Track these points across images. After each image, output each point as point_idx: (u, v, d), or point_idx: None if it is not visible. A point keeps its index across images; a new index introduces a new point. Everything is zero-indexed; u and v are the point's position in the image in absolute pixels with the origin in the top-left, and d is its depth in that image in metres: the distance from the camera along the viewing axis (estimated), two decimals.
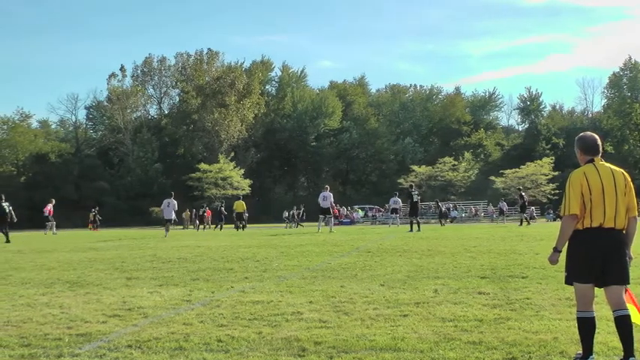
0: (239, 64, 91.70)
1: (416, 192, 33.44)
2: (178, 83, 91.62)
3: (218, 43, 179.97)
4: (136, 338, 6.68)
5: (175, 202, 35.13)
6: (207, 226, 55.09)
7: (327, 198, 35.13)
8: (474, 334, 6.63)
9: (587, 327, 5.63)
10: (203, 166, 73.15)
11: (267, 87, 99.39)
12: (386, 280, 11.09)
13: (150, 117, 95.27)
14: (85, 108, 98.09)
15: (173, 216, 34.73)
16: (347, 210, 66.69)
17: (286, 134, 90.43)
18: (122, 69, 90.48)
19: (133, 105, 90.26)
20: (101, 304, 9.15)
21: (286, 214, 54.67)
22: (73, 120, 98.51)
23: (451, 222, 55.74)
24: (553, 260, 5.79)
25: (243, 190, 71.70)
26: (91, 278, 12.41)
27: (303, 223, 49.33)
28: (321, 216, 35.67)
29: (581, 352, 5.66)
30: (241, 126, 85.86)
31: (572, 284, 5.76)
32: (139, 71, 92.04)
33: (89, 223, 55.30)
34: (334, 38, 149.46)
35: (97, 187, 78.48)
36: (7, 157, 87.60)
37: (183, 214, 60.37)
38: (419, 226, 31.44)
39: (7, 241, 29.16)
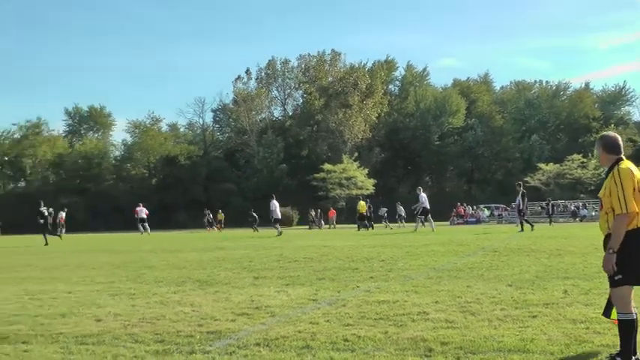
0: (362, 64, 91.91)
1: (523, 190, 32.15)
2: (301, 85, 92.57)
3: (340, 44, 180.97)
4: (264, 336, 6.77)
5: (277, 203, 36.79)
6: (333, 226, 55.48)
7: (423, 198, 35.15)
8: (607, 336, 6.37)
9: (632, 328, 5.43)
10: (327, 166, 73.66)
11: (389, 86, 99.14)
12: (513, 280, 10.84)
13: (274, 118, 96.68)
14: (212, 111, 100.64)
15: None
16: (472, 209, 65.73)
17: (409, 133, 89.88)
18: (247, 72, 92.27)
19: (257, 107, 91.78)
20: (230, 302, 9.33)
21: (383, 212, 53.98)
22: (201, 123, 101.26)
23: (580, 220, 54.14)
24: (610, 263, 5.44)
25: (367, 189, 71.81)
26: (220, 277, 12.69)
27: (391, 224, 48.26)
28: (421, 216, 35.13)
29: (615, 352, 5.54)
30: (365, 126, 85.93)
31: (620, 286, 5.48)
32: (262, 74, 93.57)
33: (216, 224, 56.76)
34: (457, 36, 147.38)
35: (224, 189, 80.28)
36: (140, 159, 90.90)
37: (308, 214, 61.05)
38: (522, 226, 30.50)
39: (47, 243, 30.53)
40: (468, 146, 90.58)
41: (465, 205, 66.23)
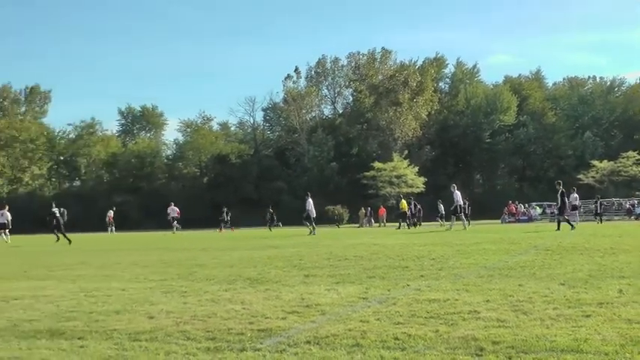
0: (412, 62, 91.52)
1: (563, 189, 31.58)
2: (352, 83, 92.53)
3: (390, 42, 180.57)
4: (314, 334, 6.79)
5: (312, 201, 36.60)
6: (383, 224, 55.37)
7: (457, 196, 35.25)
8: None
9: None
10: (377, 164, 73.50)
11: (440, 84, 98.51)
12: (566, 279, 10.68)
13: (324, 117, 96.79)
14: (262, 110, 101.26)
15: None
16: (524, 207, 64.99)
17: (460, 131, 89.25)
18: (297, 71, 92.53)
19: (307, 105, 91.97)
20: (280, 300, 9.37)
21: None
22: (251, 122, 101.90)
23: (636, 219, 53.23)
24: None
25: (418, 187, 71.50)
26: (271, 275, 12.75)
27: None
28: (455, 214, 35.40)
29: None
30: (415, 124, 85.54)
31: None
32: (312, 72, 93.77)
33: (267, 222, 56.99)
34: (508, 32, 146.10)
35: (275, 187, 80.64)
36: (191, 158, 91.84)
37: (359, 213, 61.01)
38: (558, 226, 29.99)
39: (57, 240, 33.74)
40: (519, 144, 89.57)
41: (516, 203, 65.50)
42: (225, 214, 55.03)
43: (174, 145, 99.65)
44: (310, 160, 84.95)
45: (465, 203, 50.35)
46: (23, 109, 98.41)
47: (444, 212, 48.59)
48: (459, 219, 35.69)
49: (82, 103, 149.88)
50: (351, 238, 28.26)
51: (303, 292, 10.08)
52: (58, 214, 35.97)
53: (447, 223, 36.75)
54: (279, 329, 7.16)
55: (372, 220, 59.65)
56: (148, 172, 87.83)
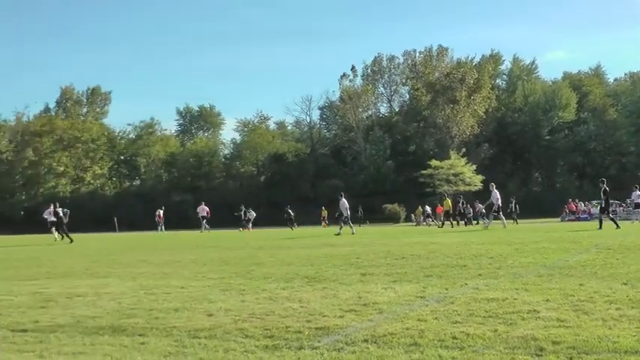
0: (468, 59, 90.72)
1: (606, 187, 30.82)
2: (408, 81, 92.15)
3: (446, 39, 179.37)
4: (372, 333, 6.78)
5: (346, 201, 36.44)
6: (441, 222, 55.01)
7: (496, 195, 34.96)
8: None
9: None
10: (434, 162, 73.06)
11: (497, 81, 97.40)
12: (629, 278, 10.47)
13: (381, 115, 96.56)
14: (319, 109, 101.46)
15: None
16: (584, 205, 63.88)
17: (518, 128, 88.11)
18: (353, 69, 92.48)
19: (364, 104, 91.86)
20: (338, 299, 9.38)
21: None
22: (308, 120, 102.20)
23: None
24: None
25: (475, 185, 70.86)
26: (328, 274, 12.77)
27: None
28: (494, 213, 35.19)
29: None
30: (472, 121, 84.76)
31: None
32: (369, 70, 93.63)
33: (322, 220, 57.25)
34: (567, 28, 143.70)
35: (332, 185, 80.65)
36: (249, 157, 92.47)
37: (416, 211, 60.75)
38: (600, 224, 29.27)
39: (63, 238, 35.62)
40: (579, 141, 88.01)
41: (576, 200, 64.41)
42: (243, 213, 55.50)
43: (232, 145, 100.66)
44: (367, 158, 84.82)
45: (512, 202, 49.95)
46: (85, 110, 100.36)
47: (484, 211, 48.29)
48: (497, 218, 35.36)
49: (142, 104, 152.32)
50: (408, 236, 28.15)
51: (361, 291, 10.07)
52: (61, 214, 38.08)
53: (485, 221, 36.33)
54: (337, 327, 7.17)
55: (430, 219, 59.32)
56: (205, 171, 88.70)
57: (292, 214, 53.97)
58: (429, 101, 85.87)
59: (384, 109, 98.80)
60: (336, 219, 51.91)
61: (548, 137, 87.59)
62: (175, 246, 26.79)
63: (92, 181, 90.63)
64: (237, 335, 6.96)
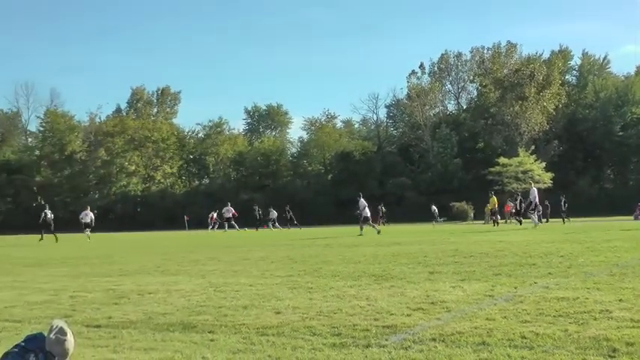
0: (537, 55, 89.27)
1: None
2: (476, 78, 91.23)
3: (514, 36, 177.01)
4: (440, 332, 6.76)
5: (365, 201, 35.58)
6: (509, 221, 54.26)
7: (534, 193, 34.48)
8: None
9: None
10: (502, 160, 72.06)
11: (566, 77, 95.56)
12: None
13: (448, 112, 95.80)
14: (386, 106, 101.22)
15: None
16: None
17: (589, 125, 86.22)
18: (421, 66, 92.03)
19: (431, 101, 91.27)
20: (405, 297, 9.37)
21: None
22: (375, 119, 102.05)
23: None
24: None
25: (545, 183, 69.70)
26: (395, 272, 12.75)
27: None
28: (532, 212, 34.87)
29: None
30: (542, 118, 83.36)
31: None
32: (435, 68, 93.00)
33: (378, 218, 57.30)
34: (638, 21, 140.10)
35: (399, 183, 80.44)
36: (316, 156, 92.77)
37: (485, 209, 60.05)
38: None
39: (41, 239, 37.57)
40: None
41: None
42: (257, 212, 55.82)
43: (299, 143, 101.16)
44: (434, 156, 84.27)
45: (561, 200, 48.94)
46: (155, 110, 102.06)
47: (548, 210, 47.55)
48: (525, 217, 34.84)
49: (210, 103, 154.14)
50: (476, 234, 27.89)
51: (428, 289, 10.04)
52: (49, 215, 40.13)
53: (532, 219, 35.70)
54: (405, 326, 7.16)
55: (499, 217, 58.57)
56: (273, 169, 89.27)
57: (263, 213, 54.83)
58: (497, 98, 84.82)
59: (451, 107, 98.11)
60: (385, 217, 52.26)
61: (620, 133, 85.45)
62: (244, 244, 27.06)
63: (162, 180, 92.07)
64: (305, 333, 7.01)
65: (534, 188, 35.32)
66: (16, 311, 9.51)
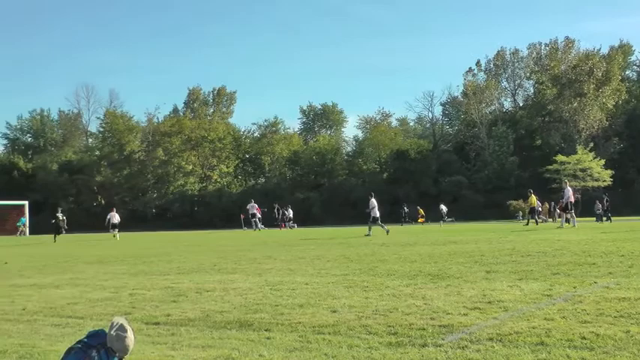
0: (596, 50, 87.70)
1: None
2: (532, 74, 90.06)
3: (572, 31, 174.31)
4: (497, 331, 6.71)
5: (375, 201, 34.83)
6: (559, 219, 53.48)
7: (568, 192, 33.86)
8: None
9: None
10: (560, 157, 70.96)
11: (626, 72, 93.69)
12: None
13: (504, 110, 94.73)
14: (441, 104, 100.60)
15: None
16: None
17: None
18: (477, 63, 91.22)
19: (487, 99, 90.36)
20: (461, 296, 9.31)
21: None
22: (430, 117, 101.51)
23: None
24: None
25: (605, 181, 68.51)
26: (452, 271, 12.68)
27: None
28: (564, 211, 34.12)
29: None
30: (601, 115, 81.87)
31: None
32: (491, 65, 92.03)
33: (419, 218, 57.22)
34: None
35: (455, 182, 79.84)
36: (371, 154, 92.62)
37: (542, 207, 59.23)
38: None
39: (55, 240, 39.78)
40: None
41: None
42: (277, 211, 56.13)
43: (354, 142, 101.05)
44: (490, 154, 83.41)
45: (604, 200, 47.95)
46: (211, 110, 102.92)
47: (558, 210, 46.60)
48: (561, 216, 34.32)
49: (265, 103, 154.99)
50: (533, 233, 27.55)
51: (485, 289, 9.97)
52: (61, 218, 43.41)
53: (558, 219, 35.08)
54: (461, 325, 7.13)
55: (556, 215, 57.68)
56: (328, 168, 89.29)
57: (285, 213, 54.77)
58: (555, 95, 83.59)
59: (507, 104, 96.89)
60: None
61: None
62: (299, 243, 27.16)
63: (219, 180, 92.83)
64: (361, 332, 7.03)
65: (569, 188, 34.81)
66: (78, 308, 9.73)
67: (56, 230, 42.82)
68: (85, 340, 4.79)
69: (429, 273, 12.46)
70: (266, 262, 16.83)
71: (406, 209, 62.14)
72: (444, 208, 59.58)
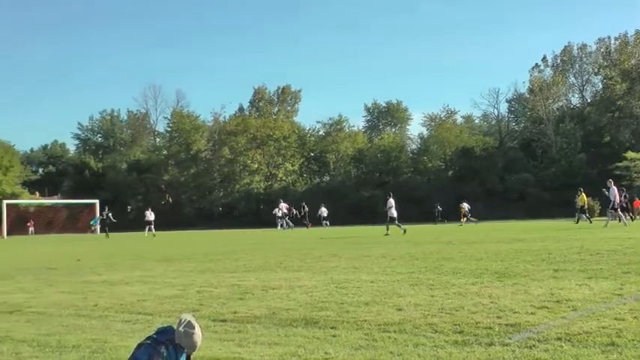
0: None
1: None
2: (601, 70, 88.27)
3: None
4: (566, 331, 6.62)
5: (393, 201, 35.08)
6: (639, 217, 52.35)
7: (614, 192, 33.15)
8: None
9: None
10: (630, 154, 69.47)
11: None
12: None
13: (572, 106, 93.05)
14: (507, 101, 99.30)
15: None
16: None
17: None
18: (544, 59, 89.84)
19: (554, 95, 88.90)
20: (529, 295, 9.21)
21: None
22: (495, 114, 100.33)
23: None
24: None
25: None
26: (518, 269, 12.54)
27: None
28: (611, 211, 33.97)
29: None
30: None
31: None
32: (558, 60, 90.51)
33: (462, 216, 56.61)
34: None
35: (521, 179, 78.81)
36: (436, 152, 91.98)
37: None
38: None
39: (107, 236, 44.27)
40: None
41: None
42: (302, 209, 56.34)
43: (419, 140, 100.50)
44: (558, 151, 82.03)
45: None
46: (276, 109, 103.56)
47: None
48: (614, 215, 33.42)
49: (330, 101, 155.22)
50: (603, 231, 27.02)
51: (553, 287, 9.84)
52: (105, 217, 48.43)
53: (604, 218, 34.20)
54: (528, 324, 7.06)
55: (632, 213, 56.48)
56: (393, 166, 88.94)
57: (307, 208, 54.78)
58: (625, 90, 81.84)
59: (575, 100, 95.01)
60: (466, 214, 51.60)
61: None
62: (363, 241, 27.17)
63: (284, 178, 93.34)
64: (427, 330, 7.01)
65: (614, 187, 34.11)
66: (147, 305, 9.93)
67: (104, 227, 46.22)
68: (154, 336, 4.89)
69: (495, 271, 12.35)
70: (331, 260, 16.89)
71: (439, 208, 61.69)
72: (466, 206, 58.74)
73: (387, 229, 33.07)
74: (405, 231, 32.36)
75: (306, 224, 55.74)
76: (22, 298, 11.32)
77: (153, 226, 48.48)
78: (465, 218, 55.34)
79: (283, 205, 53.19)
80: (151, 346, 4.78)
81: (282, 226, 51.21)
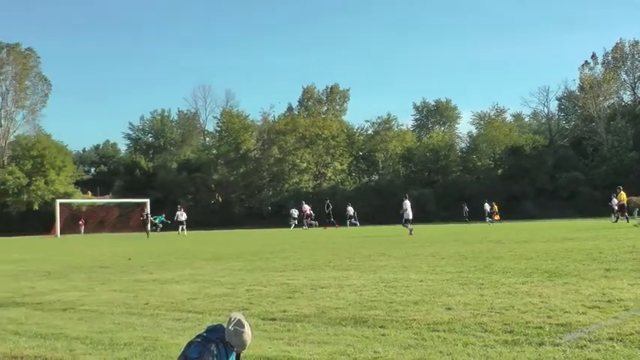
0: None
1: None
2: None
3: None
4: (617, 331, 6.56)
5: (409, 202, 34.70)
6: None
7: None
8: None
9: None
10: None
11: None
12: None
13: (623, 104, 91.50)
14: (557, 99, 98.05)
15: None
16: None
17: None
18: (593, 57, 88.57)
19: (605, 92, 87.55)
20: (580, 294, 9.13)
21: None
22: (545, 112, 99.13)
23: None
24: None
25: None
26: (569, 269, 12.42)
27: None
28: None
29: None
30: None
31: None
32: (609, 57, 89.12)
33: (494, 215, 56.07)
34: None
35: (572, 178, 77.78)
36: (485, 151, 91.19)
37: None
38: None
39: (148, 236, 44.74)
40: None
41: None
42: (326, 207, 56.66)
43: (468, 138, 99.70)
44: (609, 149, 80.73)
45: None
46: (325, 108, 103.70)
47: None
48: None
49: (378, 100, 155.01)
50: None
51: (604, 287, 9.73)
52: (144, 217, 51.04)
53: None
54: (579, 324, 7.01)
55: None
56: (442, 165, 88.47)
57: (331, 206, 54.54)
58: None
59: (626, 98, 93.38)
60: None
61: None
62: (413, 240, 27.10)
63: (333, 177, 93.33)
64: (476, 329, 7.00)
65: (622, 192, 33.92)
66: (197, 303, 10.06)
67: (145, 227, 47.44)
68: (205, 334, 4.97)
69: (545, 270, 12.25)
70: (380, 259, 16.90)
71: (466, 208, 61.17)
72: (487, 207, 58.17)
73: (410, 230, 32.97)
74: (411, 231, 32.41)
75: (333, 222, 55.69)
76: (75, 296, 11.55)
77: (185, 226, 49.68)
78: (490, 218, 55.04)
79: (306, 207, 53.45)
80: (201, 344, 4.86)
81: (306, 224, 51.71)
